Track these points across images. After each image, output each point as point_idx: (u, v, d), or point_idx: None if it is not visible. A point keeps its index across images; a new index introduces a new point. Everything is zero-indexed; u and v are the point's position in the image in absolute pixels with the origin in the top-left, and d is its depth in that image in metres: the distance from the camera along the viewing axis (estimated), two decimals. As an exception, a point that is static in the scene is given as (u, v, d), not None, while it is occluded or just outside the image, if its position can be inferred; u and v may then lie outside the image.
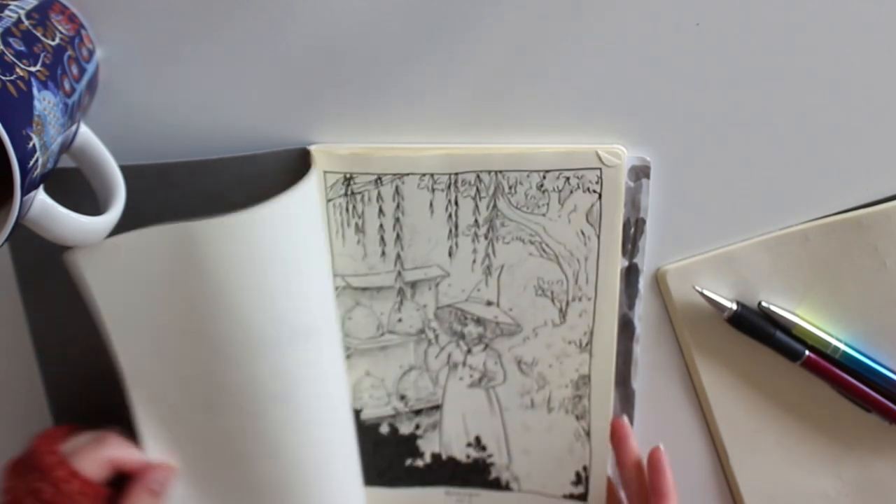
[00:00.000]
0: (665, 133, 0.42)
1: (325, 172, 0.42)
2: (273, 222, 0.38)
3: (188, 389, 0.40)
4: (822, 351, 0.44)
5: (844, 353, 0.44)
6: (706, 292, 0.44)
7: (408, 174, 0.42)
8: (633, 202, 0.43)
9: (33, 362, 0.45)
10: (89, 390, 0.45)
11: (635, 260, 0.44)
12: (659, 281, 0.45)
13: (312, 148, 0.42)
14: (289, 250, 0.40)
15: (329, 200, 0.43)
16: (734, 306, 0.44)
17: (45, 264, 0.43)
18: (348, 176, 0.42)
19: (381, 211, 0.43)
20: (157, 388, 0.41)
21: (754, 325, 0.44)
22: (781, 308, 0.44)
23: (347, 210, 0.43)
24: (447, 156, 0.42)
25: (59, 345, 0.45)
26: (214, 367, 0.40)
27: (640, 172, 0.43)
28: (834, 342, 0.44)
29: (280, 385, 0.40)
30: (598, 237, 0.43)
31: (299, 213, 0.40)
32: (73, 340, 0.44)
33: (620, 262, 0.44)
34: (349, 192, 0.42)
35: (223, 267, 0.38)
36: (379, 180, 0.42)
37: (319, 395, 0.42)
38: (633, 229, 0.44)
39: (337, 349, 0.44)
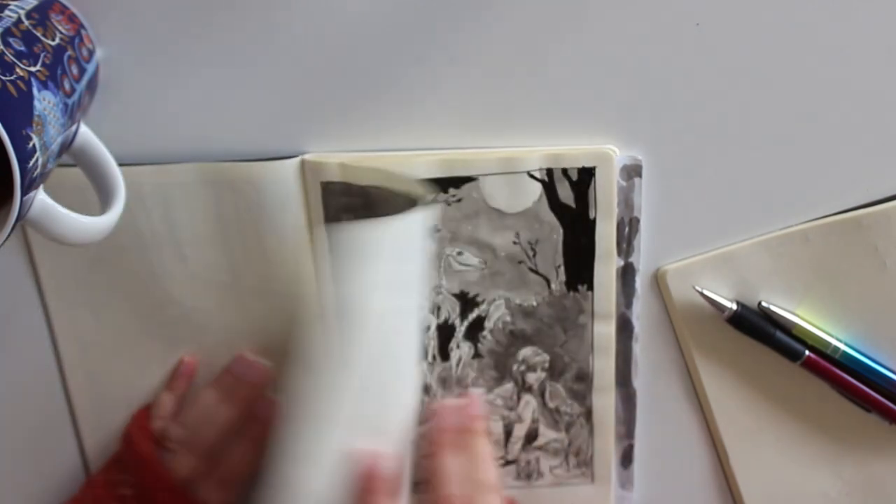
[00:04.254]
0: (660, 133, 0.42)
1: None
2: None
3: None
4: (822, 351, 0.44)
5: (844, 353, 0.44)
6: (706, 292, 0.44)
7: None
8: (626, 201, 0.43)
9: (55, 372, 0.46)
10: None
11: (631, 259, 0.44)
12: (659, 281, 0.45)
13: (306, 157, 0.42)
14: None
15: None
16: (734, 306, 0.44)
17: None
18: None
19: None
20: None
21: (754, 325, 0.44)
22: (781, 308, 0.44)
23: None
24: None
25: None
26: None
27: (633, 171, 0.43)
28: (834, 342, 0.44)
29: None
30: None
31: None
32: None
33: (616, 262, 0.44)
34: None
35: None
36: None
37: None
38: (627, 228, 0.44)
39: None
